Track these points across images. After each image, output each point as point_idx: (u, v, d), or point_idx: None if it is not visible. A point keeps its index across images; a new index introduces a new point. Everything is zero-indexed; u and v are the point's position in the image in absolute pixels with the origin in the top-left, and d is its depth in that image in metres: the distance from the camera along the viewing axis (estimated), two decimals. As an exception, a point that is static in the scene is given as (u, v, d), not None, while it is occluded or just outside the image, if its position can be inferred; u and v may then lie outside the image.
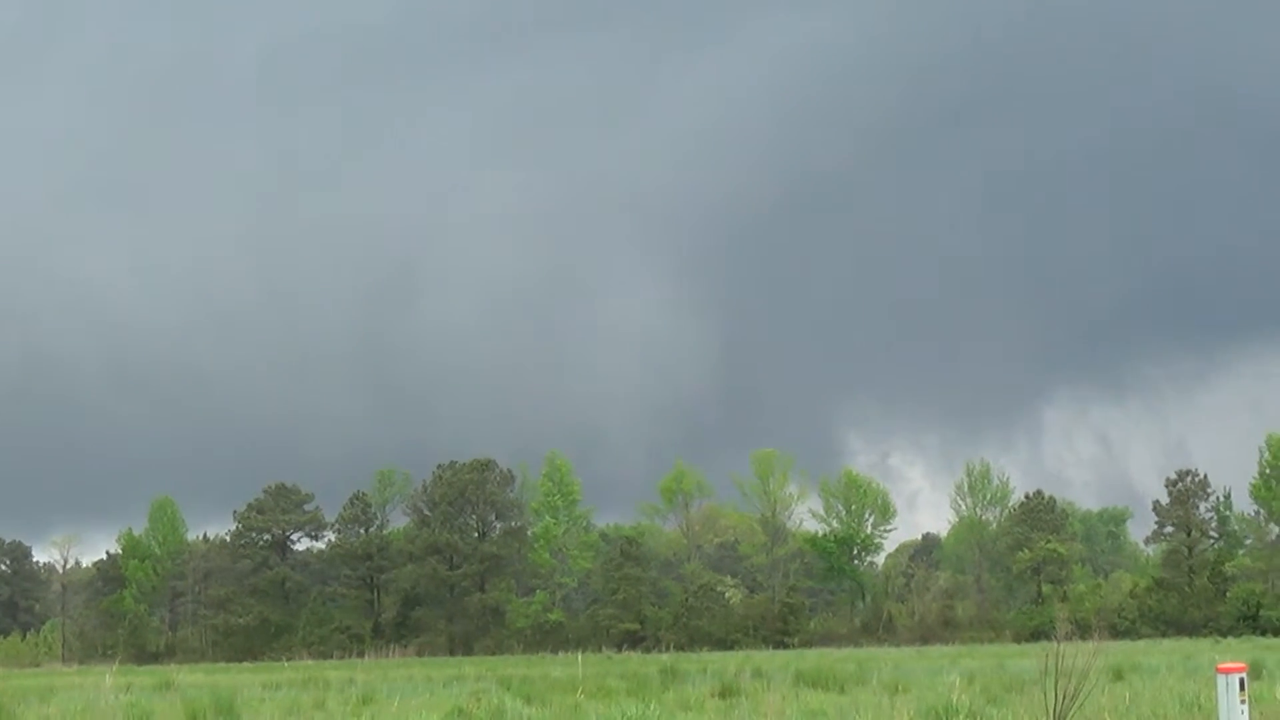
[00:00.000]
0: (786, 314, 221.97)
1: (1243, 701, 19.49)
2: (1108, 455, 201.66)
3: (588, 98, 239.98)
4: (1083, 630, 28.70)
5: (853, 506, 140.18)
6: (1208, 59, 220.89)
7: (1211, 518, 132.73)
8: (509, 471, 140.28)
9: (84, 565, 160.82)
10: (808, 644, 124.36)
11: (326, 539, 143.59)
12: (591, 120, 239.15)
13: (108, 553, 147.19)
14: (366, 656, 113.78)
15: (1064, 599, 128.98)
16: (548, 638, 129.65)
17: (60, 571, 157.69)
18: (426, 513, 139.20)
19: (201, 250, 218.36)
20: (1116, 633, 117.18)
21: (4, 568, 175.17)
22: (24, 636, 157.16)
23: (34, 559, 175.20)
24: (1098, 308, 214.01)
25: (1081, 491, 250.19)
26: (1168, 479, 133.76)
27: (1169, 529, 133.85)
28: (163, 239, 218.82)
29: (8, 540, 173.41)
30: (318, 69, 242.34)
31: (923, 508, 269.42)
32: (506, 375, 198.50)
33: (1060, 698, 22.63)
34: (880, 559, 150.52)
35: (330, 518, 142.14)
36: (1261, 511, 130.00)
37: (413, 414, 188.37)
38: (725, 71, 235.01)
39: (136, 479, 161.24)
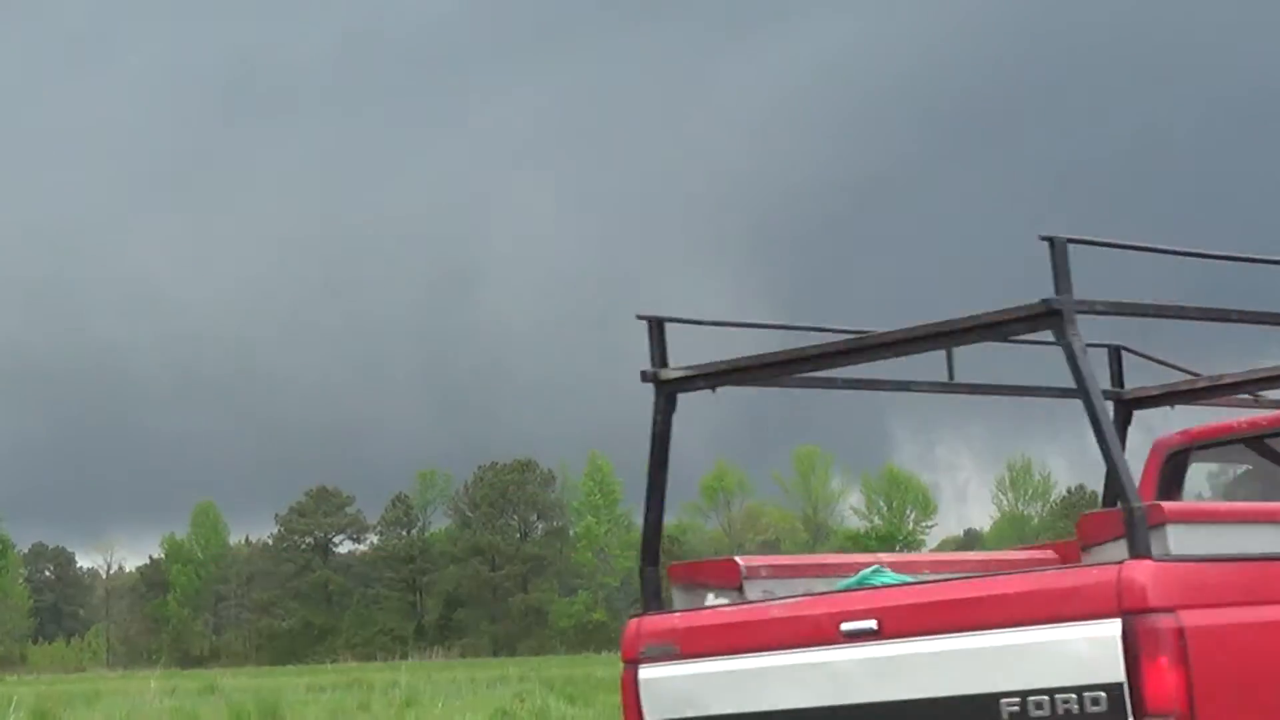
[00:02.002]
0: (834, 302, 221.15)
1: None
2: (1151, 442, 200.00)
3: (640, 93, 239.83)
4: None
5: (894, 503, 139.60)
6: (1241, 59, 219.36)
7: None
8: (550, 472, 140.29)
9: (127, 570, 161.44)
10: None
11: (369, 541, 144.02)
12: (644, 115, 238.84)
13: (151, 557, 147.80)
14: (410, 658, 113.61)
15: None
16: (591, 638, 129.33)
17: (104, 577, 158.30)
18: (468, 514, 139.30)
19: (256, 247, 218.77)
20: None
21: (48, 574, 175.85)
22: (68, 642, 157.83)
23: (78, 564, 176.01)
24: (1137, 288, 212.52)
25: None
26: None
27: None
28: (217, 235, 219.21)
29: (51, 546, 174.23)
30: (376, 67, 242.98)
31: (972, 500, 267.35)
32: (562, 370, 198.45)
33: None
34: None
35: (373, 519, 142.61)
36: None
37: (466, 410, 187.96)
38: (778, 65, 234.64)
39: (180, 481, 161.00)
